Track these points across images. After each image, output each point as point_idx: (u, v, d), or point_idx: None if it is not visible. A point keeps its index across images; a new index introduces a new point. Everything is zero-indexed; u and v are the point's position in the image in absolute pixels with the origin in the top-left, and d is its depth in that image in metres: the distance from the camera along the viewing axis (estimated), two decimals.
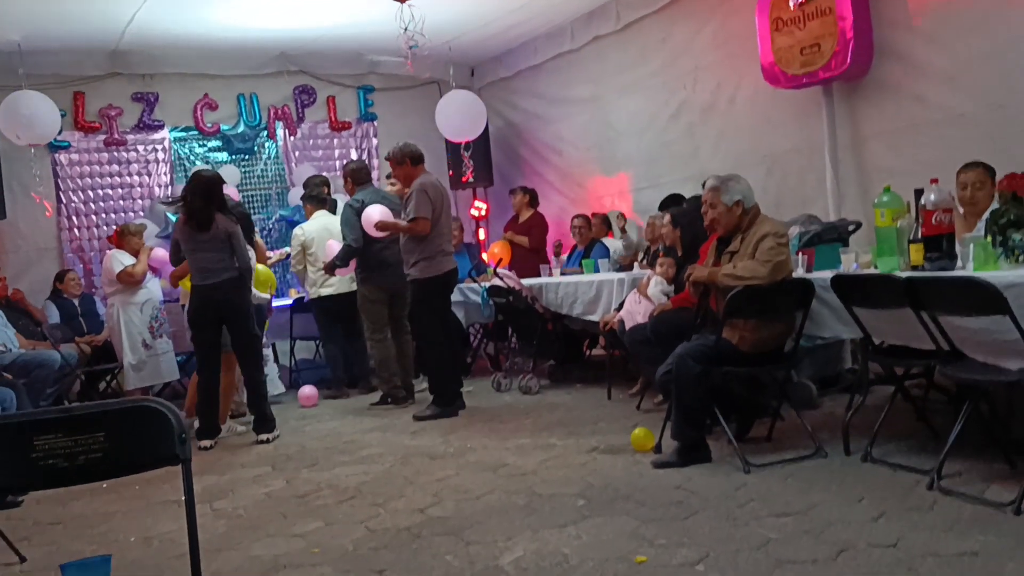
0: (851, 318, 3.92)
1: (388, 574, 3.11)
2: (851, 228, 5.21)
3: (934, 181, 3.81)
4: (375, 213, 6.26)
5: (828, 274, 4.13)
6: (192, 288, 5.83)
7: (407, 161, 6.15)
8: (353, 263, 6.59)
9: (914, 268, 3.78)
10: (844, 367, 5.65)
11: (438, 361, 6.13)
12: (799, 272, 4.49)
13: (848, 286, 3.89)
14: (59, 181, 8.13)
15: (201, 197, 5.66)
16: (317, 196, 7.32)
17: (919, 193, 3.92)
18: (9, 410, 4.64)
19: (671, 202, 6.49)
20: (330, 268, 6.66)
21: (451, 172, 9.15)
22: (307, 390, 7.05)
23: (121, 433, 2.01)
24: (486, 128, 8.69)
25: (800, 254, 4.70)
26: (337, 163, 9.10)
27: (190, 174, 6.03)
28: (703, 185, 4.55)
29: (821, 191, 6.03)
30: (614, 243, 7.75)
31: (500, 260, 8.29)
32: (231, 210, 5.85)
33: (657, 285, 5.53)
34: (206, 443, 5.69)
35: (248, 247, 5.91)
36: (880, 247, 4.11)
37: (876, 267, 4.04)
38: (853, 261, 4.36)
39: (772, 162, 6.46)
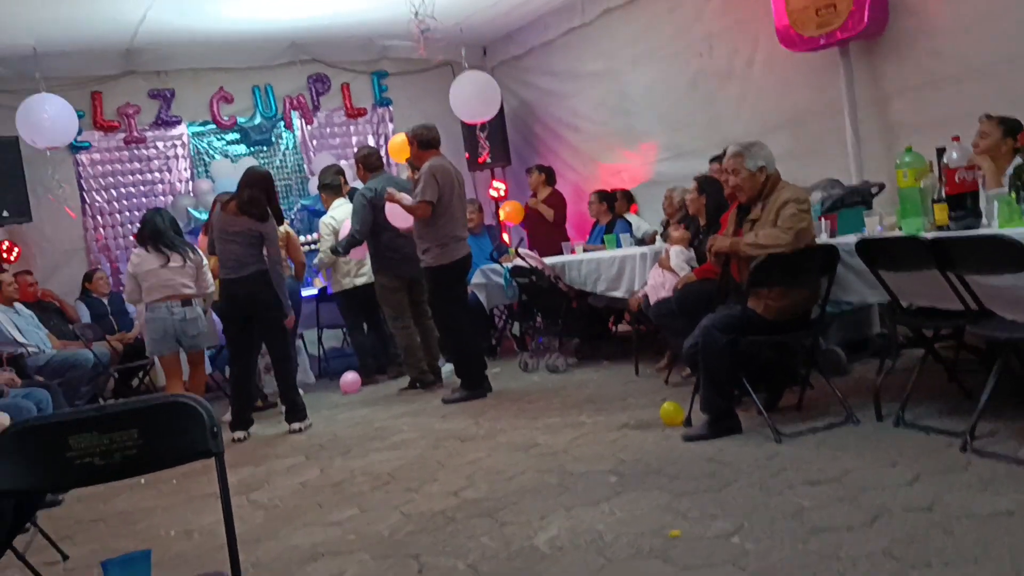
0: (877, 282, 3.88)
1: (425, 558, 3.14)
2: (874, 191, 5.14)
3: (955, 139, 3.75)
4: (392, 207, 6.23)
5: (852, 238, 4.09)
6: (220, 283, 5.89)
7: (415, 144, 6.13)
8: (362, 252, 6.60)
9: (939, 228, 3.73)
10: (872, 332, 5.60)
11: (461, 346, 6.14)
12: (823, 238, 4.45)
13: (873, 249, 3.85)
14: (82, 182, 8.21)
15: (260, 189, 5.77)
16: (332, 184, 7.31)
17: (941, 152, 3.86)
18: (45, 411, 4.72)
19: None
20: (334, 251, 6.72)
21: (468, 154, 9.14)
22: (349, 376, 7.10)
23: (154, 429, 2.04)
24: (501, 108, 8.66)
25: (823, 219, 4.66)
26: (354, 150, 9.09)
27: (245, 170, 6.11)
28: (723, 152, 4.51)
29: (843, 153, 5.96)
30: (636, 219, 7.72)
31: (522, 239, 8.28)
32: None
33: (679, 255, 5.51)
34: (240, 435, 5.77)
35: None
36: (904, 208, 4.05)
37: (901, 229, 4.00)
38: (877, 224, 4.31)
39: (794, 125, 6.39)
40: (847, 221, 4.67)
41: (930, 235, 3.60)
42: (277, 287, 5.78)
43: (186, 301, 6.02)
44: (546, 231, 8.25)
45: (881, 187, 5.16)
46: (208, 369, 7.19)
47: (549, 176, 8.41)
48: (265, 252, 5.77)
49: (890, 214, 4.46)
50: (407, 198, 5.99)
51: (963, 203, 3.68)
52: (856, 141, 5.86)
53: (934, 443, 3.58)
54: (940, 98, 5.30)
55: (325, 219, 7.26)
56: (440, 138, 6.23)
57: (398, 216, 6.17)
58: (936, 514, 2.83)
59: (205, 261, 6.18)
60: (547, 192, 8.36)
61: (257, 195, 5.74)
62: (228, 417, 5.95)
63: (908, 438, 3.71)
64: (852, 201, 4.95)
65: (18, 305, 6.67)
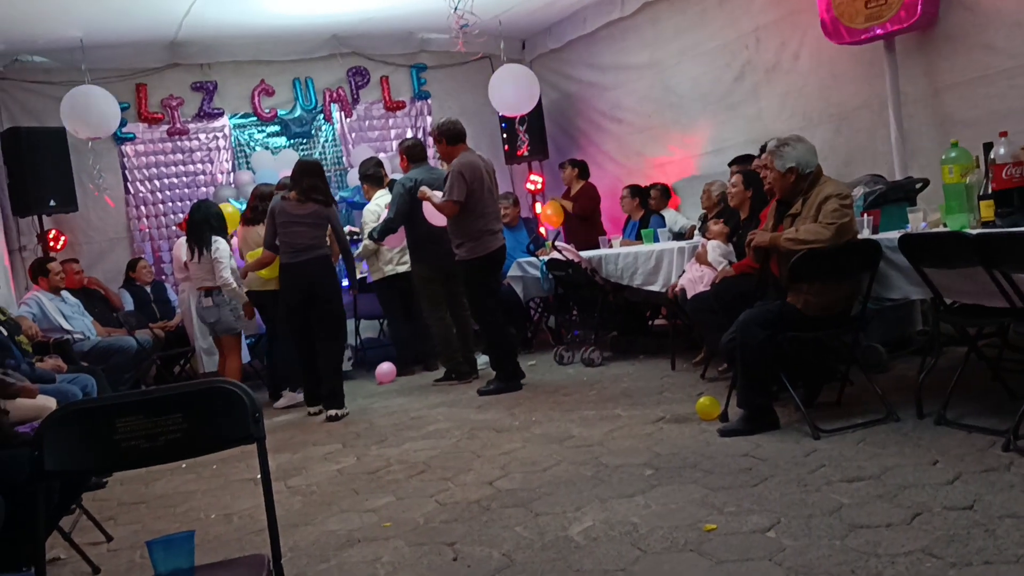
0: (921, 279, 3.82)
1: (460, 546, 3.16)
2: (918, 186, 5.06)
3: (1003, 134, 3.69)
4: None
5: (895, 234, 4.03)
6: (282, 267, 6.09)
7: (443, 140, 6.18)
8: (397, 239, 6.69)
9: (985, 225, 3.68)
10: (915, 329, 5.53)
11: (496, 338, 6.17)
12: (865, 233, 4.39)
13: (917, 246, 3.80)
14: (126, 172, 8.35)
15: (319, 177, 6.11)
16: (374, 175, 7.36)
17: (988, 147, 3.80)
18: (91, 395, 4.82)
19: (743, 160, 6.33)
20: (370, 236, 6.84)
21: (506, 147, 9.15)
22: (385, 366, 7.17)
23: (198, 414, 2.08)
24: (539, 101, 8.66)
25: (865, 215, 4.60)
26: (392, 143, 9.15)
27: (295, 162, 6.48)
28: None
29: (888, 148, 5.88)
30: (673, 214, 7.67)
31: (559, 232, 8.27)
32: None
33: (716, 249, 5.47)
34: (313, 409, 6.11)
35: None
36: (949, 204, 4.00)
37: (945, 225, 3.94)
38: (921, 220, 4.26)
39: (840, 120, 6.31)
40: (891, 217, 4.61)
41: (975, 232, 3.54)
42: (348, 263, 6.38)
43: (207, 291, 6.45)
44: (579, 225, 8.22)
45: (926, 183, 5.08)
46: (246, 358, 7.30)
47: (583, 170, 8.38)
48: (330, 234, 6.13)
49: (935, 210, 4.39)
50: (438, 195, 6.05)
51: (1010, 199, 3.62)
52: (901, 136, 5.78)
53: (976, 442, 3.52)
54: (991, 93, 5.21)
55: (369, 207, 7.29)
56: (466, 131, 6.27)
57: (434, 215, 6.22)
58: (977, 513, 2.79)
59: (223, 256, 6.40)
60: (580, 186, 8.32)
61: (318, 183, 6.06)
62: (283, 403, 6.49)
63: (950, 437, 3.66)
64: (895, 197, 4.88)
65: (64, 292, 6.81)
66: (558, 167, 8.70)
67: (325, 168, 8.99)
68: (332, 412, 5.89)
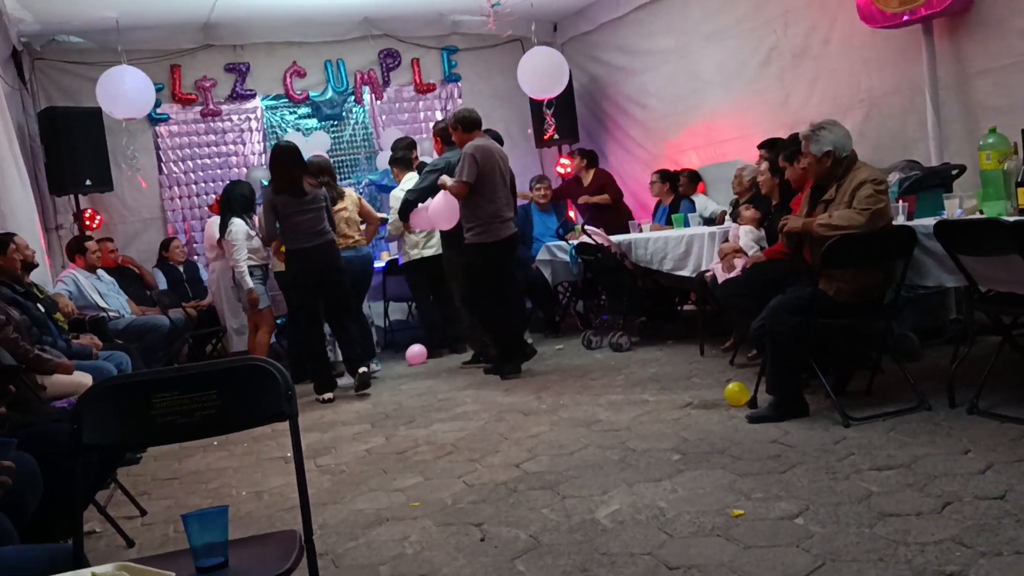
0: (955, 266, 3.78)
1: (487, 527, 3.19)
2: (954, 172, 4.99)
3: None
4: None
5: (931, 221, 3.98)
6: (290, 253, 6.04)
7: (458, 127, 6.23)
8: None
9: (1022, 212, 3.61)
10: (948, 317, 5.46)
11: (493, 324, 6.20)
12: (899, 220, 4.34)
13: (952, 232, 3.74)
14: (160, 153, 8.43)
15: (298, 166, 6.07)
16: (404, 159, 7.37)
17: None
18: (126, 372, 4.89)
19: (771, 145, 6.25)
20: (399, 214, 6.92)
21: (536, 130, 9.12)
22: (415, 348, 7.21)
23: (232, 391, 2.11)
24: (570, 84, 8.61)
25: (900, 201, 4.54)
26: (423, 125, 9.16)
27: (274, 150, 6.43)
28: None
29: (923, 134, 5.78)
30: (703, 199, 7.61)
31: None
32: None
33: (748, 235, 5.43)
34: (327, 396, 6.12)
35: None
36: (986, 191, 3.94)
37: (982, 212, 3.88)
38: (957, 207, 4.20)
39: (870, 106, 6.22)
40: (926, 204, 4.55)
41: (1012, 219, 3.49)
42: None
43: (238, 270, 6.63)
44: (604, 210, 8.16)
45: (962, 169, 5.00)
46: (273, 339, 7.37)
47: (591, 159, 8.33)
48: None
49: (971, 197, 4.33)
50: (449, 182, 6.12)
51: None
52: (937, 122, 5.68)
53: (1009, 432, 3.49)
54: None
55: (395, 192, 7.33)
56: (481, 120, 6.32)
57: (439, 215, 6.33)
58: (1008, 503, 2.77)
59: (235, 238, 6.56)
60: (591, 174, 8.27)
61: (299, 172, 6.10)
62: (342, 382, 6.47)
63: (982, 426, 3.62)
64: (931, 183, 4.82)
65: (100, 271, 6.91)
66: (567, 157, 8.63)
67: (354, 151, 9.08)
68: (366, 369, 6.20)
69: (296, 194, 5.99)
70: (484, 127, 7.23)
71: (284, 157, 6.07)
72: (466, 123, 6.20)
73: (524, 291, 7.55)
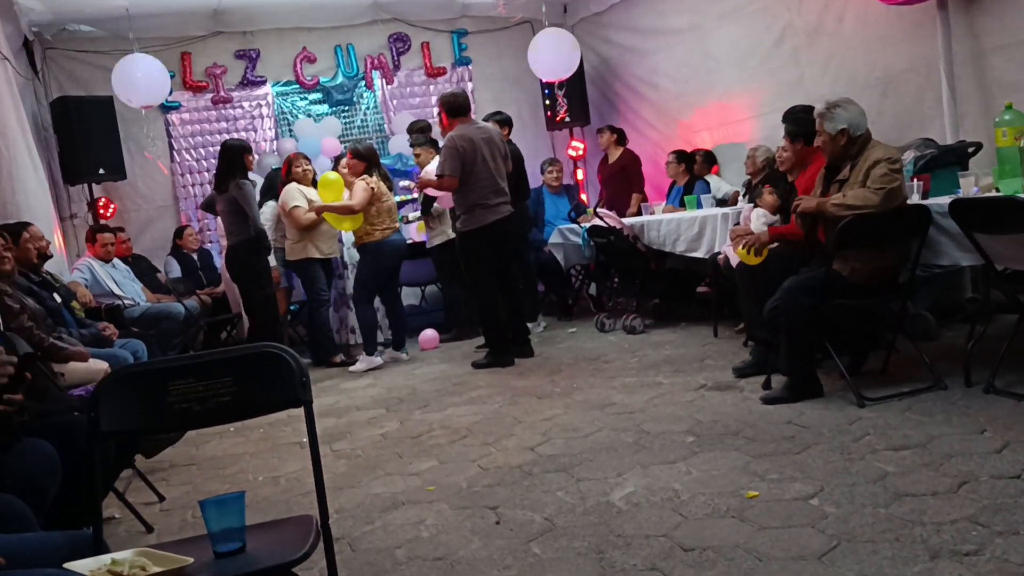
0: (971, 245, 3.74)
1: (502, 510, 3.20)
2: (970, 150, 4.94)
3: None
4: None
5: (946, 199, 3.94)
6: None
7: (444, 112, 6.13)
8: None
9: None
10: (964, 296, 5.42)
11: (485, 313, 6.15)
12: (914, 199, 4.30)
13: (968, 211, 3.71)
14: (172, 141, 8.46)
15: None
16: (430, 140, 7.27)
17: None
18: (142, 360, 4.93)
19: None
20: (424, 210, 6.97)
21: (548, 113, 9.09)
22: (428, 333, 7.23)
23: (248, 377, 2.12)
24: (581, 66, 8.57)
25: (915, 180, 4.50)
26: (434, 110, 9.11)
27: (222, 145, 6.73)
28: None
29: (939, 112, 5.72)
30: (717, 180, 7.57)
31: (601, 199, 8.20)
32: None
33: (760, 218, 5.39)
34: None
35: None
36: (1002, 168, 3.90)
37: (998, 190, 3.84)
38: (973, 185, 4.16)
39: (886, 83, 6.15)
40: (941, 182, 4.51)
41: None
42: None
43: None
44: (623, 190, 8.13)
45: (978, 147, 4.95)
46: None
47: (620, 136, 8.26)
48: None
49: (987, 175, 4.29)
50: (432, 179, 6.17)
51: None
52: (952, 99, 5.62)
53: None
54: None
55: (428, 168, 6.91)
56: (469, 104, 6.23)
57: (448, 197, 6.34)
58: None
59: (268, 217, 6.77)
60: (619, 152, 8.22)
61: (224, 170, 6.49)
62: (361, 366, 6.59)
63: (998, 405, 3.60)
64: (946, 161, 4.77)
65: (115, 260, 6.95)
66: (596, 133, 8.59)
67: (366, 135, 9.06)
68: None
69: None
70: (495, 110, 7.18)
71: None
72: (451, 108, 6.08)
73: (534, 274, 7.54)
